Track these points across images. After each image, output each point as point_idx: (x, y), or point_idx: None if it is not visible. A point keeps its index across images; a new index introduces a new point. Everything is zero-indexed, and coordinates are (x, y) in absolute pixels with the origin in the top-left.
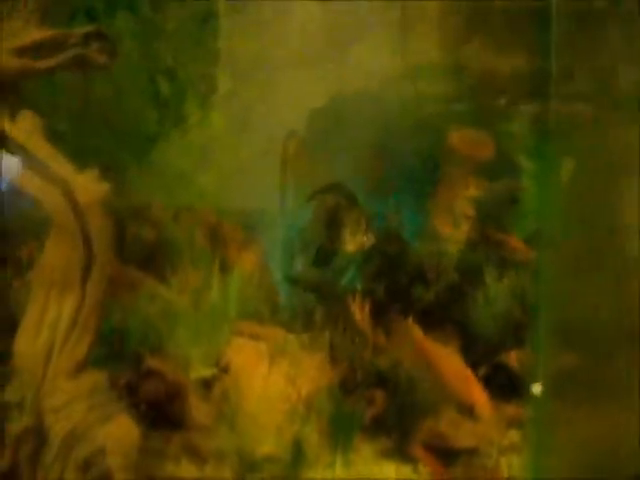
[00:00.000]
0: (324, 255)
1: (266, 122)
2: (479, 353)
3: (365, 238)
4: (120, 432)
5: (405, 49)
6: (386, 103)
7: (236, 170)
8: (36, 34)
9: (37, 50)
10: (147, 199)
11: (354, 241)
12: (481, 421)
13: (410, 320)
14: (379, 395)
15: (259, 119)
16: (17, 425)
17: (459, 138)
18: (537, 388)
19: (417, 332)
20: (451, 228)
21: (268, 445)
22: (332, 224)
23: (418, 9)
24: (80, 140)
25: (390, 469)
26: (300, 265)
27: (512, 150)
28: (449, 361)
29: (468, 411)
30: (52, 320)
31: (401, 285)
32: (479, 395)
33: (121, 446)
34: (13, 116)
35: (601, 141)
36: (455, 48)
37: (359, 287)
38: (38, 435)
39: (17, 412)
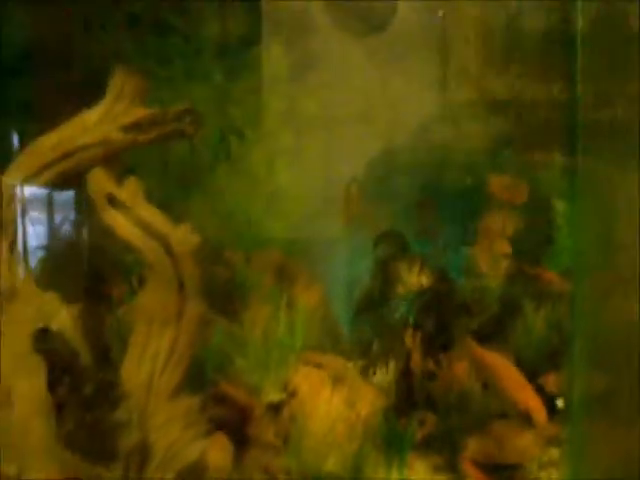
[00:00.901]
0: (371, 303)
1: (326, 174)
2: None
3: (422, 278)
4: (217, 447)
5: (445, 90)
6: (432, 149)
7: (300, 217)
8: (138, 113)
9: (140, 127)
10: (221, 245)
11: (409, 283)
12: (535, 430)
13: (469, 337)
14: (430, 417)
15: (320, 171)
16: (127, 442)
17: (497, 184)
18: (561, 402)
19: (475, 346)
20: (491, 265)
21: (330, 463)
22: (384, 273)
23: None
24: (162, 196)
25: None
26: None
27: (546, 194)
28: (507, 370)
29: (526, 418)
30: (153, 352)
31: (448, 318)
32: (535, 402)
33: (218, 460)
34: (119, 181)
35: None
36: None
37: (411, 321)
38: (143, 451)
39: (126, 430)
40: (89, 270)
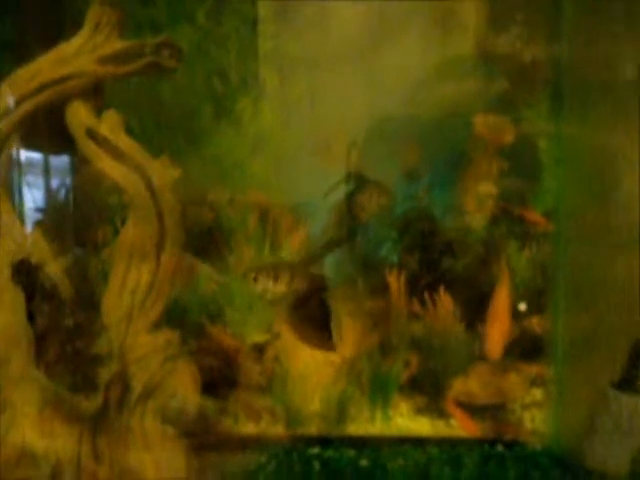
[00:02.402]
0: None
1: (310, 115)
2: None
3: (381, 200)
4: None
5: (439, 45)
6: (421, 97)
7: (284, 159)
8: (116, 45)
9: (117, 59)
10: (205, 186)
11: (369, 208)
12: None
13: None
14: (414, 358)
15: (304, 113)
16: (106, 373)
17: (482, 124)
18: (522, 306)
19: None
20: (476, 206)
21: (315, 403)
22: (348, 207)
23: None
24: (145, 135)
25: (425, 424)
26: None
27: (532, 133)
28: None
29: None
30: (132, 285)
31: (432, 258)
32: (496, 337)
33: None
34: (98, 114)
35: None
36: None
37: (395, 260)
38: (123, 382)
39: (106, 362)
40: (74, 214)
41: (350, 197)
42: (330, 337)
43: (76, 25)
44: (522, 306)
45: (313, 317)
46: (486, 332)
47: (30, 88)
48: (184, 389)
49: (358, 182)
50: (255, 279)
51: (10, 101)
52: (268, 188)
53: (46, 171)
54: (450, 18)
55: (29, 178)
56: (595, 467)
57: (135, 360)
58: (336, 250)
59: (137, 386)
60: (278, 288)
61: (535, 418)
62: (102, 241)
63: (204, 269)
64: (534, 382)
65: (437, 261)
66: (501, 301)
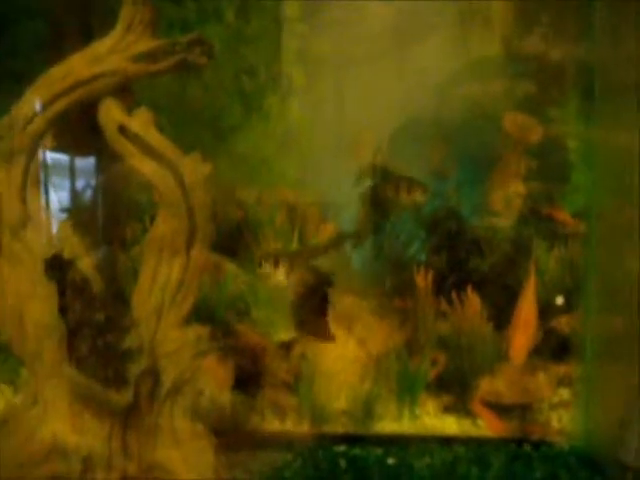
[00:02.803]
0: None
1: (338, 113)
2: None
3: (415, 196)
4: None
5: (467, 45)
6: (448, 96)
7: (311, 157)
8: (148, 44)
9: (149, 56)
10: (233, 184)
11: (400, 202)
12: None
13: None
14: (441, 357)
15: (332, 111)
16: (137, 367)
17: (511, 122)
18: (559, 299)
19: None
20: (504, 205)
21: (342, 401)
22: (374, 199)
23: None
24: (175, 132)
25: (452, 422)
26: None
27: (561, 133)
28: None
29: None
30: (163, 281)
31: (460, 257)
32: (519, 343)
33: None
34: (130, 111)
35: None
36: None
37: (423, 259)
38: (153, 377)
39: (137, 356)
40: (104, 212)
41: (376, 190)
42: (328, 327)
43: (107, 25)
44: (559, 300)
45: (313, 308)
46: (511, 337)
47: (64, 86)
48: (215, 386)
49: (385, 176)
50: (260, 264)
51: (43, 99)
52: (295, 185)
53: (73, 170)
54: (478, 18)
55: (57, 175)
56: (630, 463)
57: (165, 355)
58: (359, 246)
59: (167, 381)
60: (278, 276)
61: (562, 418)
62: (131, 238)
63: (230, 268)
64: (561, 382)
65: (465, 260)
66: (527, 306)
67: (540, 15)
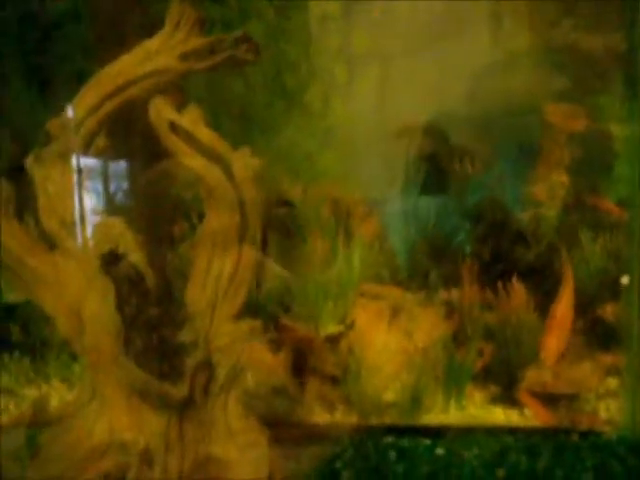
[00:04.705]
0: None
1: (379, 108)
2: (578, 308)
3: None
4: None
5: (507, 36)
6: (488, 89)
7: (354, 151)
8: (196, 41)
9: (197, 54)
10: (277, 179)
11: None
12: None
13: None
14: (488, 348)
15: (374, 105)
16: (192, 361)
17: (554, 111)
18: (625, 279)
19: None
20: (548, 195)
21: (389, 393)
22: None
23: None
24: (221, 129)
25: (499, 413)
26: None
27: (605, 120)
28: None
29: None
30: (216, 275)
31: (505, 248)
32: (551, 344)
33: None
34: (179, 109)
35: None
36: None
37: (468, 250)
38: (208, 370)
39: (192, 350)
40: (152, 211)
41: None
42: None
43: (151, 26)
44: (625, 279)
45: None
46: (543, 340)
47: (114, 86)
48: (267, 378)
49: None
50: None
51: (95, 100)
52: (339, 181)
53: (120, 169)
54: (518, 9)
55: (109, 175)
56: None
57: (219, 349)
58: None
59: (221, 374)
60: None
61: (610, 407)
62: (179, 236)
63: (272, 266)
64: (609, 371)
65: (509, 250)
66: (562, 309)
67: (576, 5)
